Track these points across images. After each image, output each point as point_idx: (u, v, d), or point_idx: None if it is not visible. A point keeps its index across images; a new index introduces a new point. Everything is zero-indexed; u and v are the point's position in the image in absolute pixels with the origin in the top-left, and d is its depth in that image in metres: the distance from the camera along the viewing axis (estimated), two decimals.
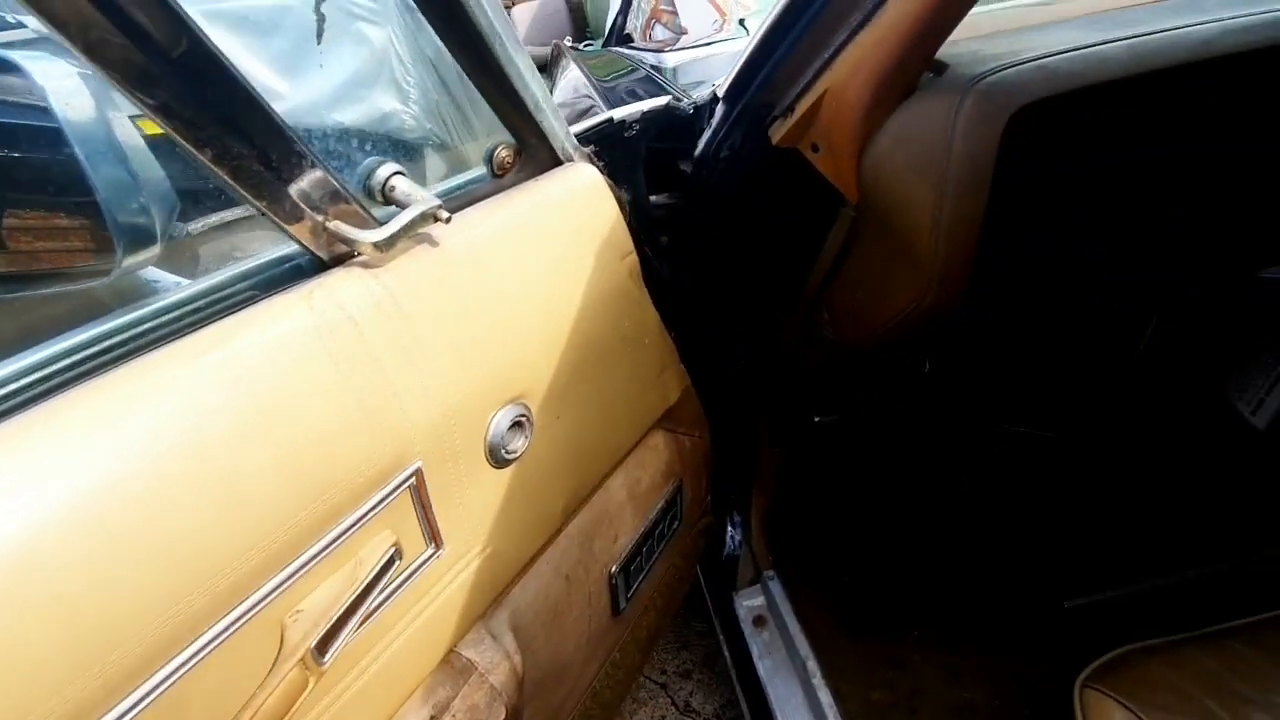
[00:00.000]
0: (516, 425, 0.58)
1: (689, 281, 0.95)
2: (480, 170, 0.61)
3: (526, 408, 0.59)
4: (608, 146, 0.83)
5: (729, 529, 1.19)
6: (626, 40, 2.57)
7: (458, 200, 0.59)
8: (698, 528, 0.99)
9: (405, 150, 0.58)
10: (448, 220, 0.49)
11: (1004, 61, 0.60)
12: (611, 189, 0.71)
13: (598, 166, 0.79)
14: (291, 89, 0.60)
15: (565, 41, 2.28)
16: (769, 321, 0.96)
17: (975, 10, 0.62)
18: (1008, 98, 0.58)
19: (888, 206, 0.66)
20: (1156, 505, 1.19)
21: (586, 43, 2.84)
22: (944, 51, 0.67)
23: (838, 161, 0.70)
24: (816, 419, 1.10)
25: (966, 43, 0.68)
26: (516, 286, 0.57)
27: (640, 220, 0.90)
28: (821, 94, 0.67)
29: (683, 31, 2.24)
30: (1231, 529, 1.12)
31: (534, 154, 0.63)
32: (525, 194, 0.61)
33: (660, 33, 2.40)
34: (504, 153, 0.60)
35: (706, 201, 0.89)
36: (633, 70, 1.53)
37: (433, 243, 0.51)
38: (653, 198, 0.96)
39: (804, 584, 1.17)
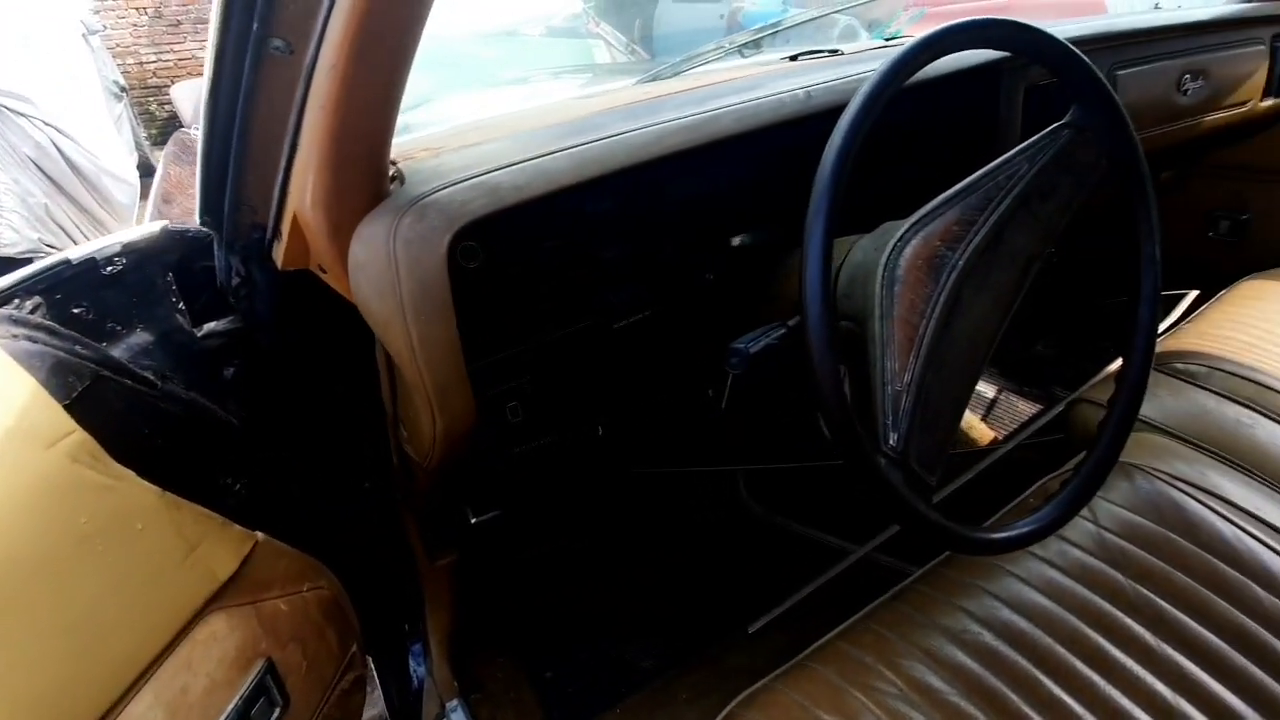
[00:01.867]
0: None
1: (264, 413, 0.83)
2: None
3: None
4: (86, 289, 0.69)
5: (411, 663, 1.06)
6: None
7: None
8: (336, 691, 0.85)
9: None
10: None
11: (450, 179, 0.58)
12: (50, 357, 0.57)
13: (57, 319, 0.64)
14: None
15: (194, 130, 2.02)
16: (370, 442, 0.87)
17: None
18: (445, 218, 0.56)
19: (376, 331, 0.62)
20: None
21: None
22: (421, 164, 0.66)
23: (339, 282, 0.64)
24: (474, 520, 1.03)
25: (451, 153, 0.67)
26: None
27: (177, 359, 0.77)
28: (293, 216, 0.61)
29: None
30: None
31: None
32: None
33: None
34: None
35: (254, 326, 0.78)
36: None
37: None
38: (210, 325, 0.83)
39: (509, 694, 1.09)
